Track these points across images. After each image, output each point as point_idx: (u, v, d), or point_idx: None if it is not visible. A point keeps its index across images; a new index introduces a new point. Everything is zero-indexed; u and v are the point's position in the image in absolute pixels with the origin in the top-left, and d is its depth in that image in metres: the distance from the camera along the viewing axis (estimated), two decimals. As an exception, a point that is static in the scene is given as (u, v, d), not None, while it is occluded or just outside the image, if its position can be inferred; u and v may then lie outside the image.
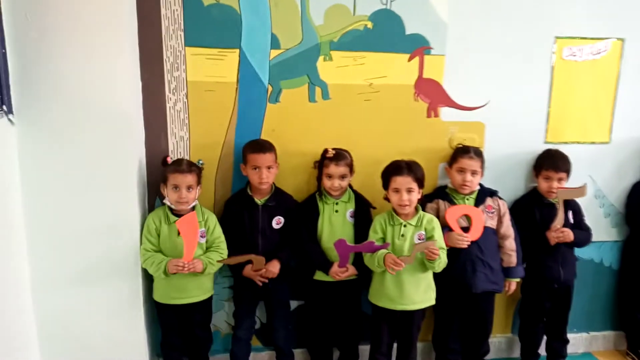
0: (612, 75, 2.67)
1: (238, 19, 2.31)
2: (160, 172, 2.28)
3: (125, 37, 2.08)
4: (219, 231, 2.33)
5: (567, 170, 2.54)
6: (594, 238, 2.71)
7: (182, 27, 2.26)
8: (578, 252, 2.71)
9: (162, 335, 2.41)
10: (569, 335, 2.78)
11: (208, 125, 2.39)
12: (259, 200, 2.37)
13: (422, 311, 2.39)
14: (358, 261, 2.36)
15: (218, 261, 2.26)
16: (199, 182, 2.28)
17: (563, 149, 2.60)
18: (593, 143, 2.73)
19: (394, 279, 2.29)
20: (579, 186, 2.53)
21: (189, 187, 2.22)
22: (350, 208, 2.43)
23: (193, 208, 2.28)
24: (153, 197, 2.39)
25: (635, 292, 2.81)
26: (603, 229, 2.82)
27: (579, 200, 2.63)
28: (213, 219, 2.34)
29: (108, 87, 2.07)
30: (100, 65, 2.04)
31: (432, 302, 2.38)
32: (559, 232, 2.46)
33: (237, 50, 2.33)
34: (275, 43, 2.36)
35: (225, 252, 2.30)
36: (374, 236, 2.30)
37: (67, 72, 2.02)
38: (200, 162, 2.34)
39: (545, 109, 2.63)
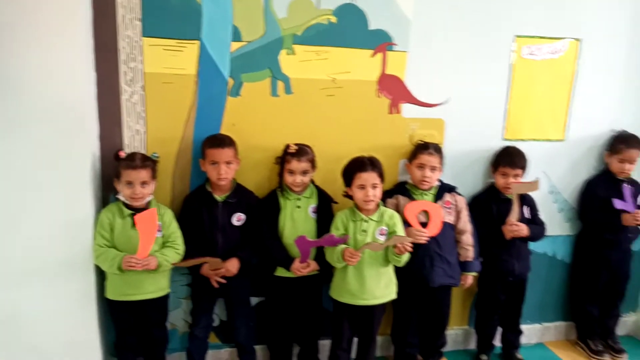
0: (568, 75, 2.74)
1: (198, 9, 2.24)
2: (114, 166, 2.20)
3: (78, 26, 1.99)
4: (175, 226, 2.28)
5: (524, 167, 2.61)
6: (548, 232, 2.80)
7: (139, 17, 2.18)
8: (532, 246, 2.79)
9: (116, 335, 2.35)
10: (523, 327, 2.88)
11: (166, 118, 2.32)
12: (219, 197, 2.32)
13: (383, 306, 2.41)
14: (320, 257, 2.37)
15: (173, 264, 2.21)
16: (153, 177, 2.22)
17: (520, 146, 2.67)
18: (549, 140, 2.80)
19: (355, 274, 2.30)
20: (532, 181, 2.60)
21: (143, 183, 2.16)
22: (313, 203, 2.42)
23: (148, 203, 2.22)
24: (108, 192, 2.31)
25: (585, 285, 2.93)
26: (557, 224, 2.92)
27: (534, 195, 2.71)
28: (169, 214, 2.28)
29: (60, 79, 1.98)
30: (51, 55, 1.95)
31: (393, 296, 2.41)
32: (514, 226, 2.53)
33: (197, 42, 2.27)
34: (236, 35, 2.30)
35: (181, 248, 2.26)
36: (335, 232, 2.30)
37: (15, 63, 1.93)
38: (155, 154, 2.26)
39: (503, 107, 2.69)
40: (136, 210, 2.18)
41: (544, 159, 2.79)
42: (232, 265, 2.30)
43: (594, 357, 2.89)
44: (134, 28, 2.18)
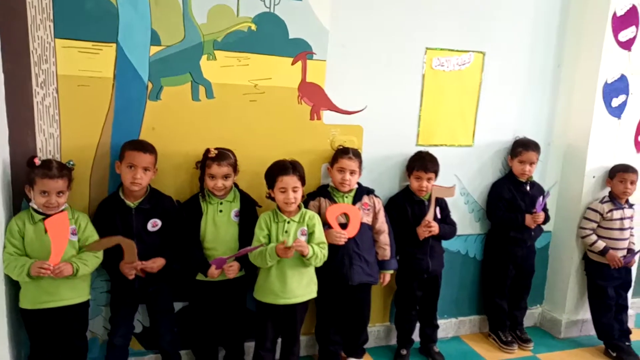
0: (475, 85, 2.96)
1: (114, 12, 2.22)
2: (26, 172, 2.12)
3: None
4: (91, 230, 2.23)
5: (436, 171, 2.78)
6: (461, 232, 3.01)
7: (51, 18, 2.13)
8: (446, 244, 2.98)
9: (31, 347, 2.24)
10: (440, 321, 3.05)
11: (82, 122, 2.27)
12: (132, 203, 2.29)
13: (305, 304, 2.48)
14: (244, 260, 2.39)
15: (84, 248, 2.16)
16: (69, 186, 2.17)
17: (432, 151, 2.85)
18: (459, 146, 3.01)
19: (278, 274, 2.35)
20: (450, 187, 2.79)
21: (59, 193, 2.11)
22: (235, 207, 2.45)
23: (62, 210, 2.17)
24: (19, 199, 2.22)
25: (495, 280, 3.15)
26: (468, 224, 3.13)
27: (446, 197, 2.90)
28: (85, 218, 2.24)
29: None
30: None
31: (314, 295, 2.48)
32: (428, 225, 2.69)
33: (114, 45, 2.25)
34: (155, 39, 2.31)
35: (99, 252, 2.21)
36: (259, 233, 2.35)
37: None
38: (71, 162, 2.20)
39: (416, 114, 2.86)
40: (47, 216, 2.11)
41: (455, 163, 2.99)
42: (158, 263, 2.27)
43: (504, 348, 3.11)
44: (45, 29, 2.13)
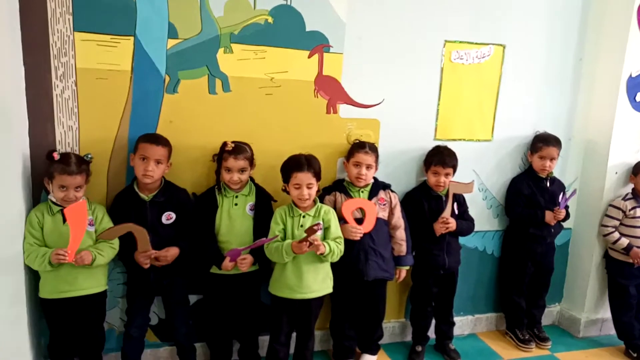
0: (494, 79, 2.91)
1: (132, 5, 2.23)
2: (46, 165, 2.14)
3: (4, 19, 1.93)
4: (107, 221, 2.25)
5: (454, 166, 2.74)
6: (478, 228, 2.97)
7: (71, 11, 2.14)
8: (463, 241, 2.94)
9: (51, 336, 2.28)
10: (456, 318, 3.02)
11: (100, 115, 2.29)
12: (146, 196, 2.29)
13: (320, 299, 2.47)
14: (258, 254, 2.39)
15: (98, 236, 2.17)
16: (87, 179, 2.19)
17: (450, 145, 2.80)
18: (477, 140, 2.96)
19: (294, 269, 2.35)
20: (468, 183, 2.75)
21: (77, 187, 2.13)
22: (251, 201, 2.44)
23: None
24: (38, 191, 2.25)
25: (513, 277, 3.10)
26: (486, 220, 3.09)
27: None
28: (101, 209, 2.26)
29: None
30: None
31: (330, 290, 2.47)
32: (445, 222, 2.65)
33: (132, 38, 2.26)
34: (172, 32, 2.31)
35: (116, 242, 2.23)
36: (275, 227, 2.34)
37: None
38: (89, 156, 2.21)
39: (434, 108, 2.82)
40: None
41: (473, 158, 2.95)
42: (172, 252, 2.27)
43: (521, 346, 3.06)
44: (65, 22, 2.14)
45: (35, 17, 2.11)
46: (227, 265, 2.34)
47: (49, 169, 2.12)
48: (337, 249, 2.34)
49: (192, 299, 2.59)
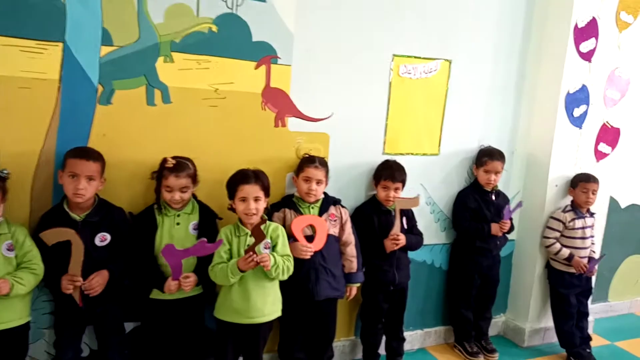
0: (441, 93, 2.94)
1: (61, 8, 2.04)
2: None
3: None
4: (30, 244, 2.03)
5: (403, 181, 2.72)
6: (426, 241, 2.96)
7: (-11, 12, 1.93)
8: (412, 254, 2.93)
9: (-36, 376, 2.03)
10: (406, 333, 2.99)
11: (23, 127, 2.07)
12: (78, 216, 2.10)
13: (270, 324, 2.35)
14: (201, 275, 2.24)
15: (40, 234, 1.96)
16: (3, 197, 1.96)
17: (399, 159, 2.79)
18: (425, 155, 2.97)
19: (240, 291, 2.22)
20: (413, 197, 2.73)
21: None
22: (194, 220, 2.30)
23: None
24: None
25: (460, 290, 3.13)
26: (434, 233, 3.09)
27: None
28: (22, 231, 2.04)
29: None
30: None
31: (279, 313, 2.36)
32: (395, 238, 2.62)
33: (61, 44, 2.07)
34: (107, 39, 2.14)
35: (39, 267, 2.02)
36: (220, 248, 2.20)
37: None
38: (5, 171, 1.99)
39: (383, 122, 2.80)
40: None
41: (420, 172, 2.95)
42: (101, 277, 2.08)
43: (469, 359, 3.08)
44: (-19, 24, 1.92)
45: (-56, 17, 1.88)
46: (170, 286, 2.16)
47: None
48: (283, 265, 2.23)
49: (128, 326, 2.39)
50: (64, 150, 2.10)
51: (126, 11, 2.14)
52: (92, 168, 2.06)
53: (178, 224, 2.25)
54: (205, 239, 2.13)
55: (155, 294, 2.23)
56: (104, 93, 2.17)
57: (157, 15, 2.20)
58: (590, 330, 3.31)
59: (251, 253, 2.11)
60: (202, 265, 2.23)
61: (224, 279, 2.16)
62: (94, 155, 2.09)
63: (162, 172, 2.21)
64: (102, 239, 2.14)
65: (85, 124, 2.16)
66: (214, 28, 2.31)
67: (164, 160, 2.21)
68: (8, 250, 1.98)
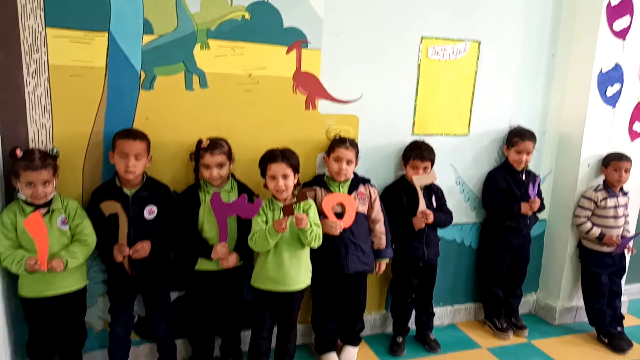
0: (470, 74, 2.96)
1: (106, 1, 2.20)
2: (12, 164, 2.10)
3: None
4: (81, 217, 2.22)
5: (432, 160, 2.78)
6: (456, 220, 3.02)
7: (42, 6, 2.10)
8: (442, 233, 2.99)
9: (30, 335, 2.25)
10: (435, 309, 3.08)
11: (74, 112, 2.25)
12: (129, 191, 2.28)
13: (302, 292, 2.48)
14: (241, 250, 2.41)
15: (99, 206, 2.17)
16: (55, 173, 2.15)
17: (428, 140, 2.84)
18: (454, 135, 3.01)
19: (275, 261, 2.36)
20: (430, 172, 2.78)
21: (45, 183, 2.09)
22: (233, 197, 2.44)
23: (52, 199, 2.15)
24: (11, 190, 2.20)
25: (490, 268, 3.17)
26: (464, 212, 3.14)
27: (443, 186, 2.91)
28: (74, 205, 2.22)
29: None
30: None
31: (309, 282, 2.49)
32: (422, 214, 2.69)
33: (106, 34, 2.23)
34: (148, 28, 2.28)
35: (90, 238, 2.21)
36: (257, 218, 2.34)
37: None
38: (55, 150, 2.19)
39: (412, 104, 2.85)
40: (36, 206, 2.10)
41: (450, 152, 3.00)
42: (144, 245, 2.25)
43: (499, 334, 3.14)
44: (36, 18, 2.10)
45: (4, 12, 2.06)
46: (217, 250, 2.32)
47: (14, 167, 2.08)
48: (316, 229, 2.34)
49: (173, 295, 2.58)
50: (111, 132, 2.28)
51: (165, 2, 2.28)
52: (139, 147, 2.23)
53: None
54: (245, 195, 2.29)
55: (200, 265, 2.40)
56: (147, 79, 2.33)
57: (194, 5, 2.33)
58: (624, 310, 3.30)
59: (285, 218, 2.22)
60: (242, 240, 2.38)
61: (263, 243, 2.29)
62: (140, 135, 2.26)
63: (198, 152, 2.36)
64: (150, 211, 2.32)
65: (130, 107, 2.33)
66: (247, 15, 2.42)
67: (200, 141, 2.35)
68: (63, 224, 2.17)
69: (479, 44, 2.92)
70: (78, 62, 2.20)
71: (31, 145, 2.20)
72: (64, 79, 2.20)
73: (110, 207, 2.19)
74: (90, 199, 2.31)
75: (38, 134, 2.21)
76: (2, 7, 2.05)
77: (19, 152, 2.08)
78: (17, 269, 2.05)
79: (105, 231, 2.24)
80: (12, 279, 2.19)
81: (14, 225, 2.10)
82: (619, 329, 3.11)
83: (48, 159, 2.11)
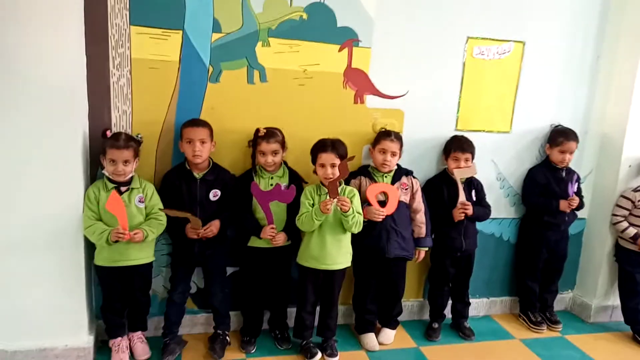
0: (514, 74, 3.06)
1: (182, 1, 2.46)
2: (101, 143, 2.40)
3: (71, 14, 2.19)
4: (156, 198, 2.49)
5: (472, 152, 2.91)
6: (496, 215, 3.14)
7: (128, 7, 2.39)
8: (481, 227, 3.12)
9: (104, 299, 2.55)
10: (472, 300, 3.19)
11: (150, 101, 2.53)
12: (197, 174, 2.54)
13: (343, 272, 2.68)
14: (290, 230, 2.63)
15: (160, 209, 2.43)
16: (136, 156, 2.42)
17: (470, 136, 2.97)
18: (497, 132, 3.12)
19: (317, 241, 2.57)
20: (470, 166, 2.91)
21: (125, 162, 2.36)
22: (285, 182, 2.66)
23: (131, 178, 2.44)
24: (95, 167, 2.51)
25: (527, 263, 3.27)
26: (503, 208, 3.25)
27: (483, 181, 3.04)
28: (151, 187, 2.50)
29: (53, 61, 2.18)
30: (45, 40, 2.15)
31: (349, 264, 2.68)
32: (463, 206, 2.83)
33: (181, 32, 2.49)
34: (216, 27, 2.54)
35: (164, 218, 2.47)
36: (305, 200, 2.56)
37: (11, 45, 2.12)
38: (139, 135, 2.47)
39: (456, 100, 2.99)
40: (118, 184, 2.39)
41: (492, 149, 3.11)
42: (215, 226, 2.51)
43: (533, 327, 3.22)
44: (122, 17, 2.39)
45: (96, 12, 2.35)
46: (266, 231, 2.56)
47: (102, 147, 2.38)
48: (358, 216, 2.53)
49: (229, 271, 2.82)
50: (181, 120, 2.54)
51: (233, 3, 2.53)
52: (202, 133, 2.48)
53: (272, 185, 2.62)
54: (280, 184, 2.55)
55: (252, 242, 2.64)
56: (214, 73, 2.58)
57: (258, 5, 2.57)
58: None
59: (330, 200, 2.43)
60: (291, 221, 2.61)
61: (309, 223, 2.51)
62: (202, 123, 2.51)
63: (256, 140, 2.59)
64: (215, 194, 2.57)
65: (198, 98, 2.59)
66: (305, 16, 2.64)
67: (257, 130, 2.59)
68: (140, 202, 2.45)
69: (524, 44, 3.02)
70: (156, 56, 2.48)
71: (113, 129, 2.49)
72: (144, 71, 2.48)
73: (177, 213, 2.42)
74: (162, 180, 2.58)
75: (119, 119, 2.50)
76: (95, 7, 2.34)
77: (108, 133, 2.39)
78: (97, 239, 2.34)
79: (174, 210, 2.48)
80: (90, 250, 2.48)
81: (97, 200, 2.39)
82: (657, 327, 3.15)
83: (131, 141, 2.40)
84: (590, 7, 3.09)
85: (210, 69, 2.57)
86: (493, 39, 2.97)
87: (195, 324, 2.88)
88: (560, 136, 3.09)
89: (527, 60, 3.05)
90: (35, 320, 2.41)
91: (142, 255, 2.50)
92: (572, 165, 3.19)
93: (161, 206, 2.49)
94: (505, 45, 3.00)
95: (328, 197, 2.45)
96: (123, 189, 2.41)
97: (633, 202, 3.11)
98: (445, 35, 2.88)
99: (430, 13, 2.83)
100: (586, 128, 3.27)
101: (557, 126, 3.16)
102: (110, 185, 2.40)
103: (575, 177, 3.13)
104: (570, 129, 3.12)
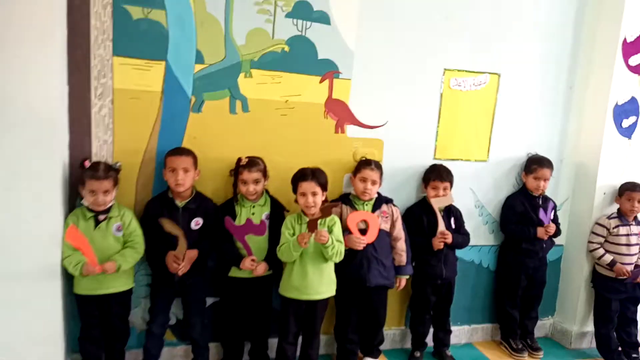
0: (490, 104, 3.16)
1: (165, 33, 2.50)
2: (80, 173, 2.39)
3: (54, 44, 2.19)
4: (135, 226, 2.47)
5: (451, 181, 2.97)
6: (475, 242, 3.19)
7: (111, 38, 2.41)
8: (461, 254, 3.16)
9: (82, 328, 2.50)
10: (453, 328, 3.21)
11: (132, 131, 2.54)
12: (180, 203, 2.54)
13: (325, 302, 2.68)
14: (271, 260, 2.63)
15: (159, 220, 2.43)
16: (115, 184, 2.42)
17: (448, 164, 3.04)
18: (474, 161, 3.20)
19: (299, 271, 2.57)
20: (447, 195, 2.97)
21: (105, 192, 2.36)
22: (266, 211, 2.68)
23: (110, 207, 2.43)
24: (74, 198, 2.49)
25: (507, 290, 3.30)
26: (482, 235, 3.30)
27: (462, 209, 3.09)
28: (129, 214, 2.48)
29: (34, 90, 2.17)
30: (27, 69, 2.15)
31: (333, 293, 2.69)
32: (442, 235, 2.87)
33: (163, 62, 2.52)
34: (199, 58, 2.58)
35: (140, 246, 2.46)
36: (285, 230, 2.57)
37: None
38: (118, 164, 2.47)
39: (434, 130, 3.07)
40: (97, 213, 2.38)
41: (470, 177, 3.18)
42: (192, 253, 2.49)
43: (514, 355, 3.24)
44: (105, 48, 2.41)
45: (79, 43, 2.38)
46: (245, 262, 2.55)
47: (81, 177, 2.37)
48: (338, 246, 2.54)
49: (209, 301, 2.80)
50: (163, 149, 2.56)
51: (215, 35, 2.57)
52: (185, 161, 2.49)
53: (253, 214, 2.64)
54: (251, 219, 2.60)
55: (233, 272, 2.63)
56: (196, 103, 2.61)
57: (240, 37, 2.62)
58: (640, 338, 3.37)
59: (308, 233, 2.44)
60: (272, 251, 2.61)
61: (288, 254, 2.52)
62: (186, 151, 2.53)
63: (237, 169, 2.61)
64: (197, 223, 2.57)
65: (180, 128, 2.61)
66: (286, 48, 2.70)
67: (239, 160, 2.61)
68: (117, 230, 2.44)
69: (499, 76, 3.13)
70: (139, 86, 2.50)
71: (94, 158, 2.48)
72: (126, 101, 2.50)
73: (172, 227, 2.43)
74: (145, 209, 2.58)
75: (100, 149, 2.50)
76: (78, 37, 2.36)
77: (87, 163, 2.38)
78: (72, 271, 2.31)
79: (155, 239, 2.49)
80: (70, 279, 2.44)
81: (76, 229, 2.37)
82: (634, 355, 3.19)
83: (111, 171, 2.40)
84: (561, 38, 3.23)
85: (193, 99, 2.60)
86: (469, 71, 3.07)
87: (174, 356, 2.83)
88: (534, 164, 3.17)
89: (502, 91, 3.16)
90: (8, 352, 2.32)
91: (120, 283, 2.47)
92: (548, 193, 3.27)
93: (139, 232, 2.47)
94: (481, 77, 3.10)
95: (307, 231, 2.46)
96: (101, 217, 2.40)
97: (608, 229, 3.19)
98: (423, 68, 2.97)
99: (408, 46, 2.92)
100: (561, 156, 3.37)
101: (533, 155, 3.24)
102: (89, 214, 2.39)
103: (551, 205, 3.21)
104: (544, 157, 3.21)
